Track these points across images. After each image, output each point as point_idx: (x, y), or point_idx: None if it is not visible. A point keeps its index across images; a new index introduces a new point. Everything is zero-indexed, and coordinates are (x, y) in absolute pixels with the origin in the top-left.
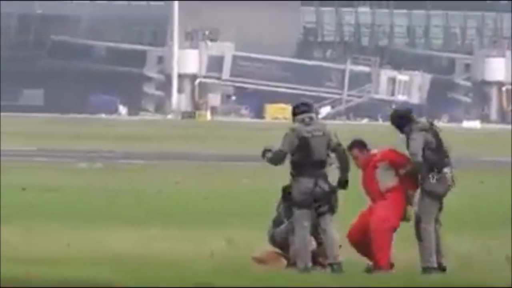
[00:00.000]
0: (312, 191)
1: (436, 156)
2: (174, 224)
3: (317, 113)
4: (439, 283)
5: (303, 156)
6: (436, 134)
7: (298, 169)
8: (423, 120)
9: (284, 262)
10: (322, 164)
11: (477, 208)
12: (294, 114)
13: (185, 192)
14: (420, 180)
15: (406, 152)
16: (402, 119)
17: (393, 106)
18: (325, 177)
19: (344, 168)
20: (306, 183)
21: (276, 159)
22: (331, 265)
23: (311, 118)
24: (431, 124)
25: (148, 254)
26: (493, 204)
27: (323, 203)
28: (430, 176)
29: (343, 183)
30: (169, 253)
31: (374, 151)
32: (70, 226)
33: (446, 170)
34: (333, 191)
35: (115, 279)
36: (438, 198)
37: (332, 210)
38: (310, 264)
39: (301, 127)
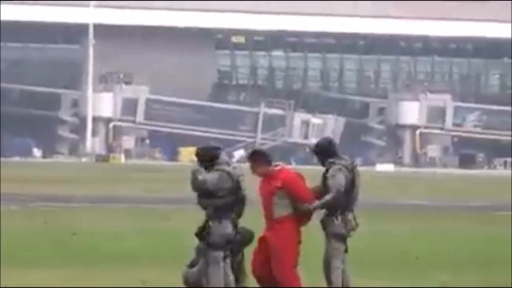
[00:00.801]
0: (231, 234)
1: (346, 198)
2: (89, 266)
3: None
4: None
5: (234, 199)
6: (353, 177)
7: (223, 212)
8: (347, 158)
9: None
10: (242, 207)
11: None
12: (212, 158)
13: (100, 233)
14: (324, 223)
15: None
16: (325, 151)
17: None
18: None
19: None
20: (227, 225)
21: (199, 187)
22: None
23: (227, 161)
24: (354, 165)
25: None
26: (403, 245)
27: (229, 247)
28: (334, 218)
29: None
30: None
31: (279, 167)
32: None
33: (349, 213)
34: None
35: None
36: (343, 239)
37: (236, 254)
38: None
39: (233, 171)
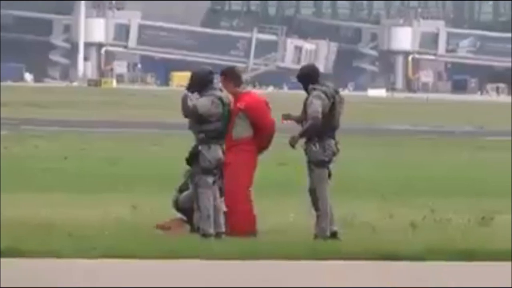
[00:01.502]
0: (220, 159)
1: (324, 125)
2: (80, 190)
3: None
4: (337, 250)
5: (222, 124)
6: (334, 104)
7: (212, 137)
8: (329, 85)
9: (188, 228)
10: (227, 132)
11: (380, 177)
12: (203, 81)
13: (91, 158)
14: (305, 150)
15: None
16: (307, 77)
17: None
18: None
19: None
20: (217, 151)
21: (190, 113)
22: (218, 233)
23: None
24: (336, 92)
25: (52, 221)
26: (393, 172)
27: (219, 172)
28: (312, 145)
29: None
30: (75, 219)
31: (246, 90)
32: None
33: (330, 139)
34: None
35: (17, 245)
36: (323, 165)
37: (223, 179)
38: (212, 230)
39: (225, 96)
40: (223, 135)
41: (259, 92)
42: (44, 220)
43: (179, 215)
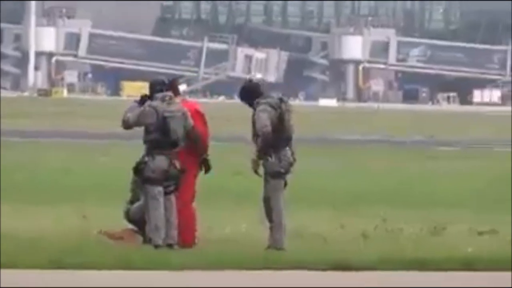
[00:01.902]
0: (166, 170)
1: (276, 136)
2: (31, 200)
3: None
4: (288, 260)
5: (161, 135)
6: (281, 114)
7: (154, 148)
8: (274, 96)
9: (140, 238)
10: (177, 143)
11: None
12: (153, 91)
13: (42, 168)
14: (260, 162)
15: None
16: (250, 94)
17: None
18: (177, 156)
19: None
20: (162, 161)
21: (124, 124)
22: (169, 245)
23: (170, 97)
24: (281, 101)
25: (3, 231)
26: (345, 182)
27: (172, 183)
28: (268, 156)
29: (202, 164)
30: (26, 229)
31: (181, 99)
32: None
33: (286, 150)
34: (183, 171)
35: None
36: (279, 176)
37: (178, 190)
38: (163, 240)
39: (162, 106)
40: (168, 145)
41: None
42: None
43: (130, 226)
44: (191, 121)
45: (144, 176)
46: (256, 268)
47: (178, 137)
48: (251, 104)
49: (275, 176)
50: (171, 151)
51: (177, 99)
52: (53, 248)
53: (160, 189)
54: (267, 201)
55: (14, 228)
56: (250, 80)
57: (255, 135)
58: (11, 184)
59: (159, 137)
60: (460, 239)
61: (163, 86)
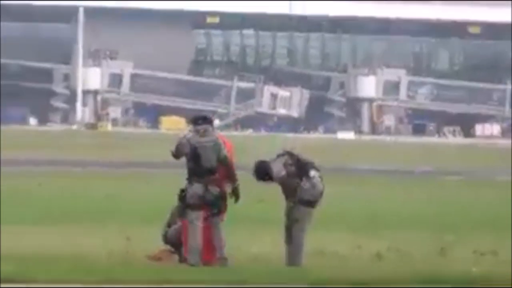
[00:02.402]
0: (202, 195)
1: (295, 169)
2: (82, 222)
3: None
4: (313, 278)
5: (194, 163)
6: (291, 155)
7: (190, 175)
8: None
9: (176, 258)
10: (211, 171)
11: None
12: (194, 124)
13: (89, 195)
14: (293, 192)
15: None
16: (264, 174)
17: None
18: (214, 183)
19: (231, 179)
20: (198, 188)
21: (173, 156)
22: (219, 259)
23: (205, 130)
24: (287, 152)
25: (56, 249)
26: (361, 207)
27: (213, 207)
28: (302, 183)
29: (234, 194)
30: (71, 250)
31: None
32: None
33: (313, 173)
34: (222, 196)
35: (21, 272)
36: (312, 205)
37: (219, 213)
38: (199, 259)
39: (194, 137)
40: (203, 172)
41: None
42: (48, 249)
43: (168, 247)
44: (224, 152)
45: (185, 202)
46: (281, 283)
47: (212, 165)
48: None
49: (307, 203)
50: (207, 178)
51: (214, 132)
52: (99, 265)
53: (197, 214)
54: (290, 225)
55: (67, 246)
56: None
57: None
58: (65, 207)
59: (193, 165)
60: (464, 259)
61: (202, 120)
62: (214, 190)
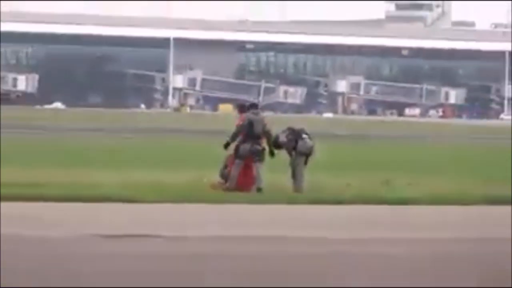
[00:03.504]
0: (250, 149)
1: (293, 136)
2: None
3: (246, 108)
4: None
5: (249, 130)
6: (290, 128)
7: (245, 137)
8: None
9: (225, 186)
10: (258, 136)
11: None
12: (248, 108)
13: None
14: (293, 149)
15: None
16: (277, 144)
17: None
18: (258, 142)
19: (268, 143)
20: (247, 145)
21: (234, 134)
22: (257, 188)
23: (257, 112)
24: (287, 128)
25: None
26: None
27: (256, 156)
28: (298, 143)
29: (270, 152)
30: (171, 181)
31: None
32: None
33: (304, 136)
34: (263, 150)
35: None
36: (305, 154)
37: (261, 160)
38: (235, 184)
39: (250, 115)
40: (254, 136)
41: (264, 115)
42: (153, 179)
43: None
44: (267, 126)
45: (238, 153)
46: (282, 202)
47: (259, 132)
48: (278, 147)
49: (301, 154)
50: (255, 140)
51: (260, 113)
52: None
53: (242, 160)
54: (295, 167)
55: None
56: (277, 137)
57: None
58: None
59: (248, 131)
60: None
61: (254, 106)
62: (258, 146)
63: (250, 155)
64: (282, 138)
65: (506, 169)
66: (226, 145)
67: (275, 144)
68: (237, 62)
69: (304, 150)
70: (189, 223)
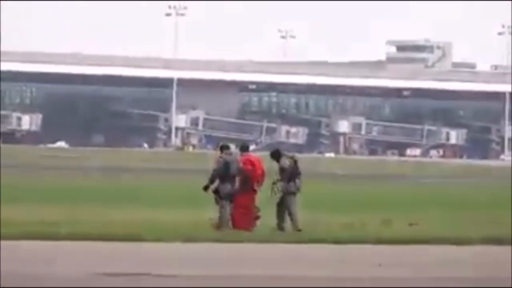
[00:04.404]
0: (230, 190)
1: (290, 173)
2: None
3: (247, 148)
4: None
5: (225, 171)
6: (294, 162)
7: (221, 179)
8: (289, 153)
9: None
10: (234, 175)
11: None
12: (220, 150)
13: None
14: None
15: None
16: (276, 154)
17: (288, 145)
18: (234, 182)
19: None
20: (226, 185)
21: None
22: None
23: (230, 153)
24: (293, 156)
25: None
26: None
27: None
28: (291, 183)
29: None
30: (171, 219)
31: (248, 154)
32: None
33: (297, 180)
34: (236, 192)
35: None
36: (295, 195)
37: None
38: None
39: (225, 156)
40: (229, 176)
41: (264, 154)
42: (156, 218)
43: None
44: (239, 165)
45: (219, 195)
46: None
47: (234, 172)
48: (277, 160)
49: (294, 194)
50: (233, 180)
51: (239, 153)
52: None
53: (227, 201)
54: (289, 207)
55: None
56: (277, 149)
57: (281, 171)
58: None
59: (224, 172)
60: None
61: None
62: (232, 186)
63: (231, 196)
64: (284, 163)
65: (507, 210)
66: (205, 188)
67: (275, 155)
68: (239, 102)
69: (295, 190)
70: (193, 261)
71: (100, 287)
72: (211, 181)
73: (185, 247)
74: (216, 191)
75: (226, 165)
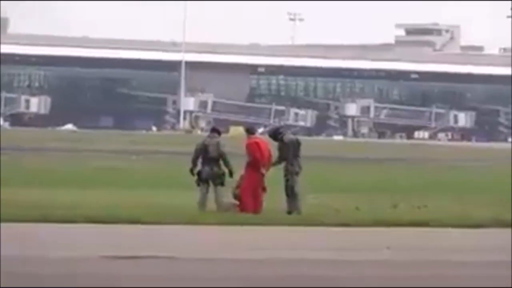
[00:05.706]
0: (209, 173)
1: (293, 153)
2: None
3: (255, 131)
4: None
5: (204, 153)
6: (299, 143)
7: (203, 161)
8: (289, 132)
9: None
10: (215, 158)
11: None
12: (210, 132)
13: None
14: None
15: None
16: (276, 132)
17: (297, 128)
18: (217, 165)
19: (226, 165)
20: (206, 168)
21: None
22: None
23: (213, 136)
24: (296, 138)
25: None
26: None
27: (216, 180)
28: (294, 163)
29: (229, 172)
30: (180, 203)
31: (255, 137)
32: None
33: (299, 159)
34: (223, 173)
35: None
36: (298, 175)
37: (222, 183)
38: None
39: (206, 139)
40: (209, 159)
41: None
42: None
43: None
44: (221, 149)
45: (200, 178)
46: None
47: (215, 155)
48: (275, 139)
49: (297, 174)
50: (214, 163)
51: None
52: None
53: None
54: (292, 187)
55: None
56: (277, 128)
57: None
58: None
59: (204, 154)
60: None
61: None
62: (216, 169)
63: (211, 179)
64: (288, 137)
65: None
66: (191, 171)
67: (274, 133)
68: (248, 85)
69: (298, 170)
70: (196, 244)
71: (107, 270)
72: (193, 163)
73: (191, 229)
74: (198, 174)
75: (204, 147)
